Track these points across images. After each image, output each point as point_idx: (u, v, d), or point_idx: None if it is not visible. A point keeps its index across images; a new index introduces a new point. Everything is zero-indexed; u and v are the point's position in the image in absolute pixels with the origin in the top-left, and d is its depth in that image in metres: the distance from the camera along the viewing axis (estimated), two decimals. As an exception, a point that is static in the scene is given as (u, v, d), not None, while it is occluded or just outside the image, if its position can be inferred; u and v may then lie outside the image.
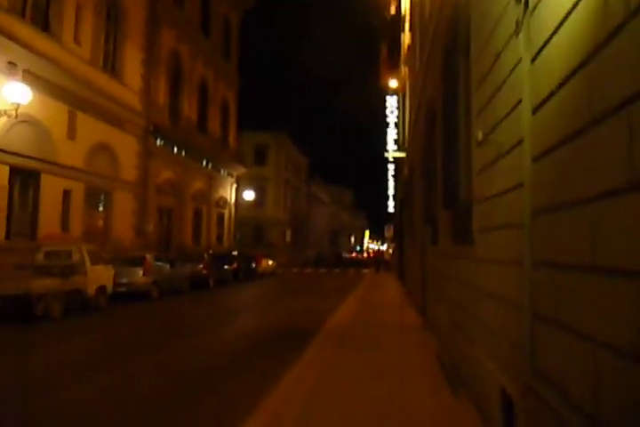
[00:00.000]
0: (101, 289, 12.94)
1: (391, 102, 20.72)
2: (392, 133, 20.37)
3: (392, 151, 20.46)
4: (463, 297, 5.31)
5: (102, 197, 19.75)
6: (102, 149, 19.46)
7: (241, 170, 36.77)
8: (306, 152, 62.74)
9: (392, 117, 20.65)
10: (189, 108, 28.24)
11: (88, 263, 12.52)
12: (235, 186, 36.24)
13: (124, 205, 20.97)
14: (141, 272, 15.10)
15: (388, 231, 39.39)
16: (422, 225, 11.07)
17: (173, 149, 26.10)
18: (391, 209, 37.05)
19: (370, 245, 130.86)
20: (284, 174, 52.86)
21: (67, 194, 17.20)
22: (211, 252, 23.73)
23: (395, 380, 5.75)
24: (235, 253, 26.78)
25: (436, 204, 7.90)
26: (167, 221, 26.44)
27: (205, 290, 18.93)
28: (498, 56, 3.60)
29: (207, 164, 30.86)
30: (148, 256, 15.73)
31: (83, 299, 12.32)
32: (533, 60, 2.80)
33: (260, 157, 50.61)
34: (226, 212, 34.76)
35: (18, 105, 13.40)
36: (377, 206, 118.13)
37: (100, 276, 12.93)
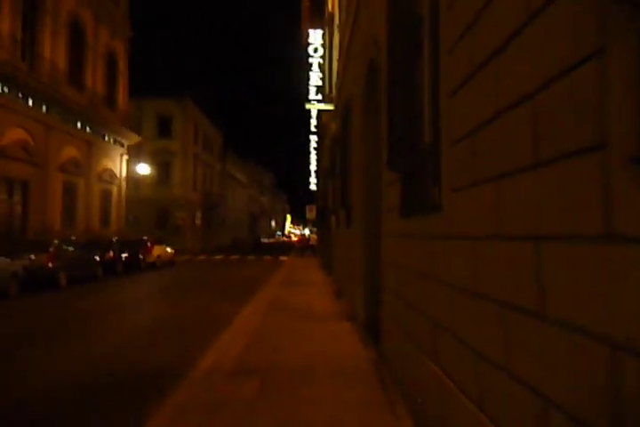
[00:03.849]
0: None
1: (315, 37, 15.64)
2: (316, 79, 15.34)
3: (316, 103, 15.50)
4: None
5: None
6: None
7: (133, 138, 30.44)
8: (219, 124, 56.55)
9: (316, 59, 15.59)
10: (54, 51, 21.70)
11: None
12: (125, 157, 29.89)
13: None
14: None
15: (310, 212, 34.61)
16: (372, 182, 6.23)
17: (27, 101, 19.66)
18: (314, 187, 32.32)
19: (292, 229, 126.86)
20: (193, 148, 46.54)
21: None
22: (73, 238, 17.78)
23: None
24: (114, 239, 20.87)
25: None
26: (21, 197, 20.05)
27: (49, 292, 13.18)
28: None
29: (84, 127, 24.48)
30: None
31: None
32: None
33: (165, 128, 43.93)
34: (114, 188, 28.50)
35: None
36: (299, 189, 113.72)
37: None
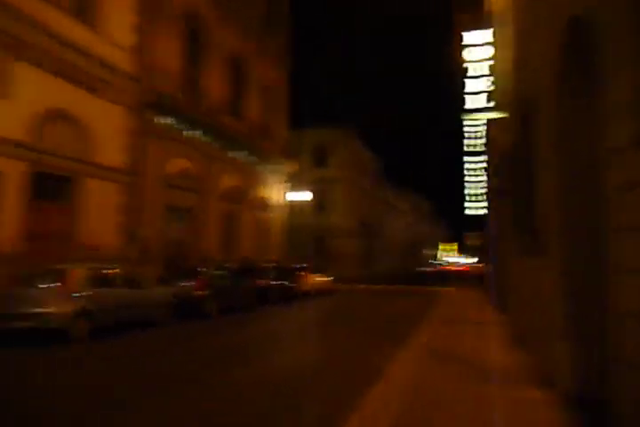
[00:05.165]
0: None
1: (471, 39, 13.64)
2: (474, 85, 13.25)
3: (475, 113, 13.40)
4: None
5: (64, 185, 14.13)
6: (63, 117, 13.89)
7: (291, 166, 30.62)
8: (377, 153, 55.97)
9: (472, 64, 13.54)
10: (216, 84, 22.53)
11: None
12: (283, 185, 30.14)
13: (103, 198, 15.29)
14: (57, 296, 9.06)
15: (471, 239, 31.60)
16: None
17: (191, 132, 20.38)
18: (470, 211, 29.58)
19: (452, 258, 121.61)
20: (351, 176, 46.29)
21: (-11, 176, 11.66)
22: (226, 265, 17.53)
23: None
24: (269, 266, 20.45)
25: None
26: (185, 224, 20.67)
27: (197, 321, 12.66)
28: None
29: (244, 156, 24.99)
30: (75, 271, 9.63)
31: None
32: None
33: (321, 156, 44.47)
34: (272, 216, 28.69)
35: None
36: (457, 215, 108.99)
37: None
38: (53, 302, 8.90)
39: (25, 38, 12.56)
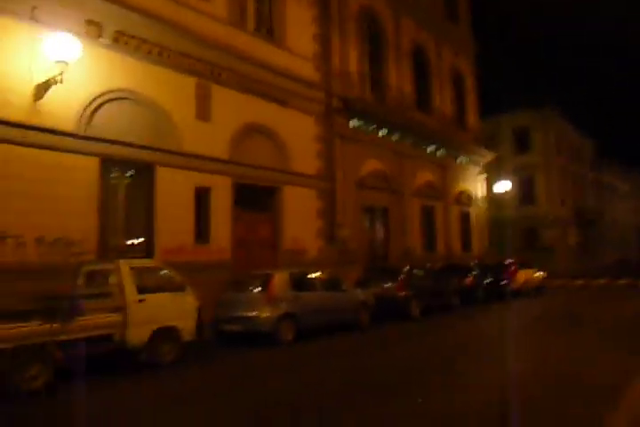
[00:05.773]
0: (162, 335, 7.68)
1: None
2: None
3: None
4: None
5: (266, 194, 15.06)
6: (258, 132, 14.80)
7: (489, 157, 28.68)
8: (589, 130, 49.79)
9: None
10: (399, 80, 22.10)
11: (130, 291, 7.42)
12: (482, 176, 28.36)
13: (301, 204, 15.93)
14: (262, 301, 9.47)
15: None
16: None
17: (379, 132, 20.27)
18: None
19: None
20: (558, 161, 41.86)
21: (202, 192, 12.88)
22: (428, 264, 16.86)
23: None
24: (473, 263, 19.26)
25: None
26: (382, 224, 20.62)
27: (399, 323, 12.28)
28: None
29: (436, 150, 24.11)
30: (278, 275, 9.96)
31: (117, 353, 7.26)
32: None
33: (522, 142, 41.04)
34: (473, 210, 27.20)
35: (65, 65, 9.31)
36: None
37: (157, 312, 7.72)
38: (259, 306, 9.36)
39: (220, 63, 13.67)
